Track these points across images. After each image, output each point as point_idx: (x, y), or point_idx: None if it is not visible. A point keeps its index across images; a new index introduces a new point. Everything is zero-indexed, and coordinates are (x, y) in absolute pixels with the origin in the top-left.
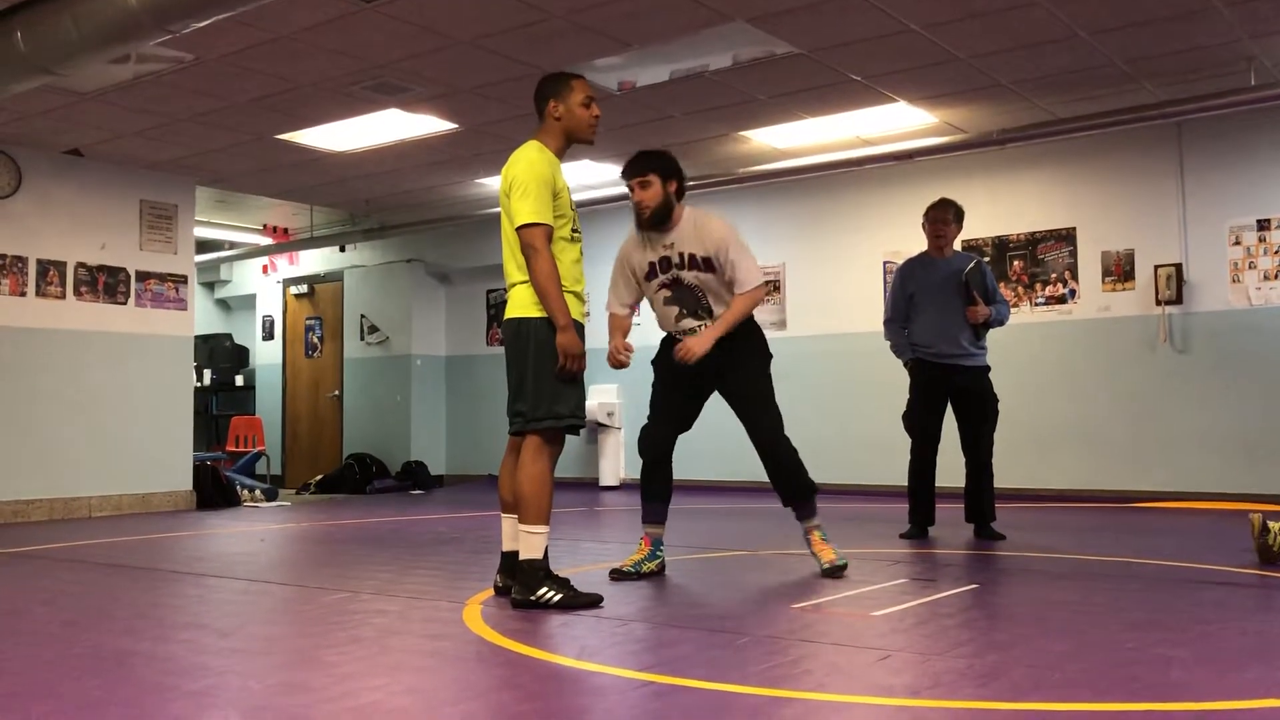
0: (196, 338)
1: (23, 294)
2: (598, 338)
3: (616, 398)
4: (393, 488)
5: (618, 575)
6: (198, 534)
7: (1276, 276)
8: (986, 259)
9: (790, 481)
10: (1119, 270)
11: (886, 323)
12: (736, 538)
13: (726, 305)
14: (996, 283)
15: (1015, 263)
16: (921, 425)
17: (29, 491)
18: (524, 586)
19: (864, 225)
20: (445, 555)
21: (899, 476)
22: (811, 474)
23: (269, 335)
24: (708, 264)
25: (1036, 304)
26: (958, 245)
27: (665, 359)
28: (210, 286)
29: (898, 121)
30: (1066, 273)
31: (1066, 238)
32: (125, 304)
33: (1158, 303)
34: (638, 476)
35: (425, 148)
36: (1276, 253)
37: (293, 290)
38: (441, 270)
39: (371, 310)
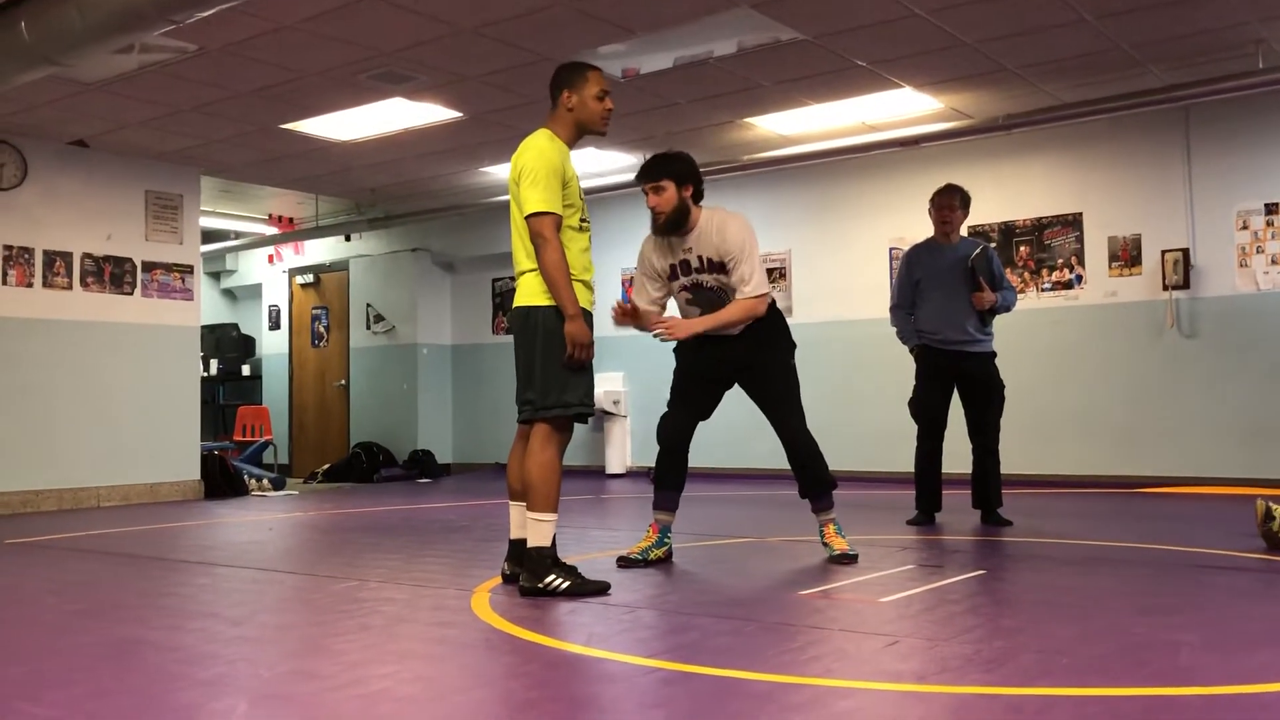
0: (203, 328)
1: (30, 285)
2: (606, 326)
3: (623, 385)
4: (400, 476)
5: (625, 562)
6: (206, 523)
7: None
8: (993, 245)
9: (810, 475)
10: (1126, 255)
11: (892, 309)
12: (744, 524)
13: None
14: (1003, 268)
15: (1022, 248)
16: (928, 412)
17: (38, 482)
18: (531, 574)
19: (870, 212)
20: (453, 543)
21: (905, 463)
22: None
23: (275, 325)
24: (724, 268)
25: (1043, 289)
26: (964, 231)
27: (689, 348)
28: (216, 276)
29: (903, 107)
30: (1073, 258)
31: (1073, 223)
32: (132, 294)
33: (1165, 288)
34: (645, 464)
35: (430, 136)
36: None
37: (298, 280)
38: (447, 259)
39: (377, 299)
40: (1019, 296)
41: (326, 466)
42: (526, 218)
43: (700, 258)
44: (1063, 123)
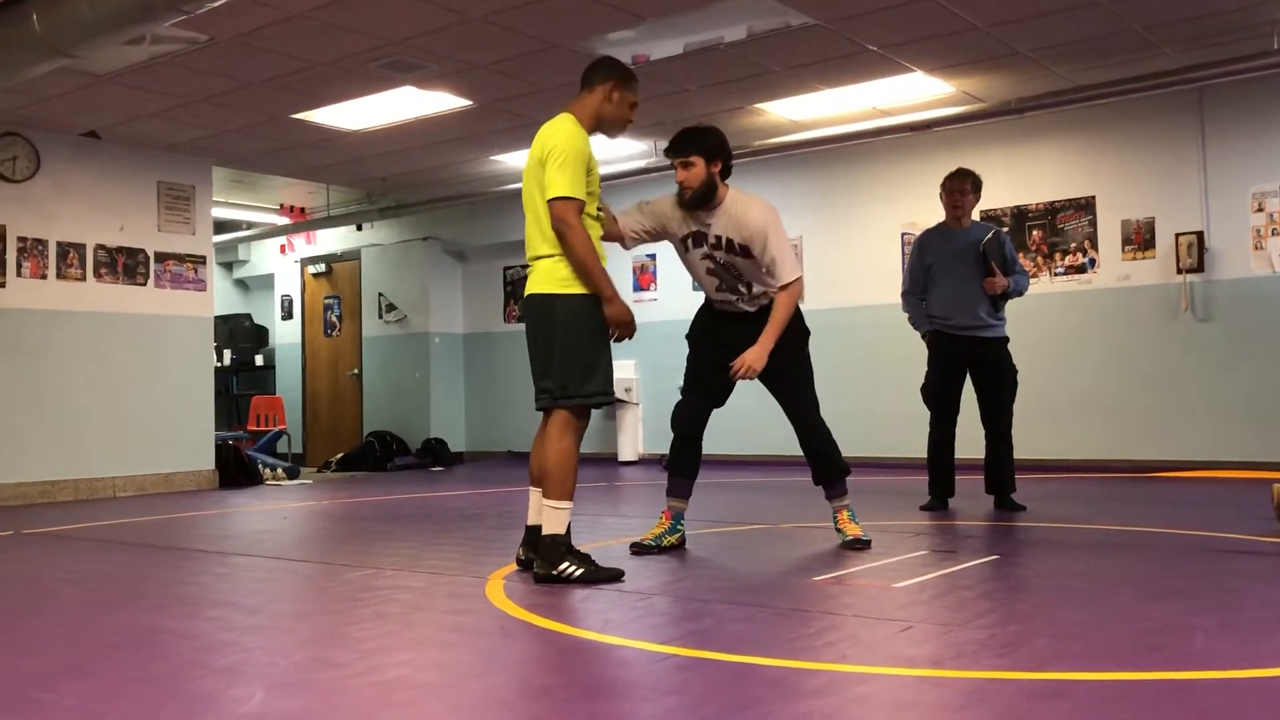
0: (216, 318)
1: (44, 276)
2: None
3: (635, 373)
4: (413, 465)
5: (638, 549)
6: (221, 513)
7: None
8: (1005, 229)
9: (823, 462)
10: (1139, 239)
11: (904, 295)
12: (757, 511)
13: (763, 284)
14: (1015, 253)
15: (1034, 232)
16: (940, 397)
17: (54, 472)
18: (546, 561)
19: (881, 197)
20: (467, 531)
21: (919, 449)
22: None
23: (288, 315)
24: (744, 250)
25: (1056, 274)
26: (976, 215)
27: (701, 333)
28: (229, 267)
29: (915, 92)
30: (1086, 242)
31: (1086, 207)
32: (145, 285)
33: (1179, 271)
34: (657, 451)
35: (440, 125)
36: None
37: (310, 269)
38: (458, 248)
39: (389, 289)
40: (1031, 281)
41: (340, 455)
42: (550, 201)
43: (719, 237)
44: (1075, 106)
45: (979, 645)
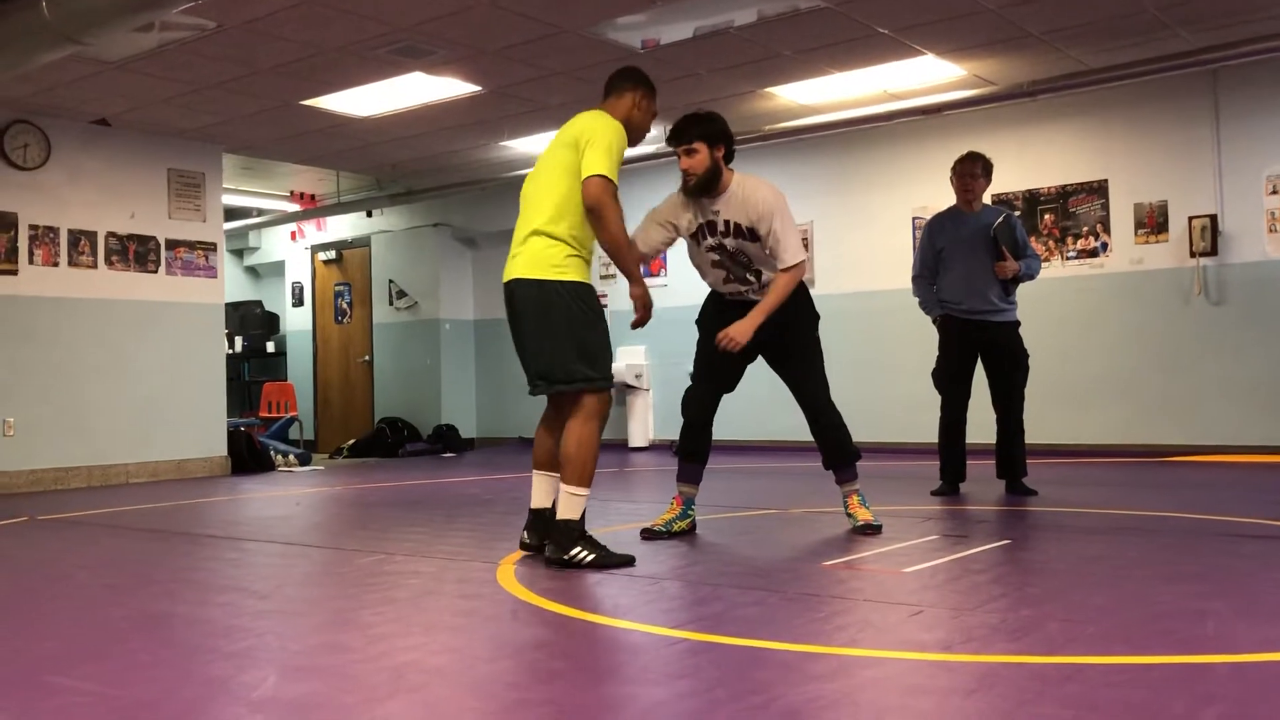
0: (227, 305)
1: (55, 264)
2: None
3: (645, 359)
4: (424, 451)
5: (649, 534)
6: (233, 499)
7: None
8: (1017, 213)
9: (834, 446)
10: (1152, 222)
11: (915, 279)
12: (767, 496)
13: (773, 270)
14: (1027, 236)
15: (1046, 216)
16: (951, 382)
17: (68, 459)
18: (558, 546)
19: (893, 181)
20: (478, 517)
21: (930, 433)
22: None
23: (298, 301)
24: (752, 233)
25: (1068, 258)
26: (987, 199)
27: (712, 318)
28: (239, 254)
29: (926, 75)
30: (1098, 225)
31: (1098, 190)
32: (156, 272)
33: (1192, 254)
34: (667, 437)
35: (449, 111)
36: None
37: (321, 256)
38: (468, 234)
39: (400, 275)
40: (1043, 265)
41: (352, 442)
42: (590, 178)
43: (727, 222)
44: (1088, 88)
45: (990, 630)
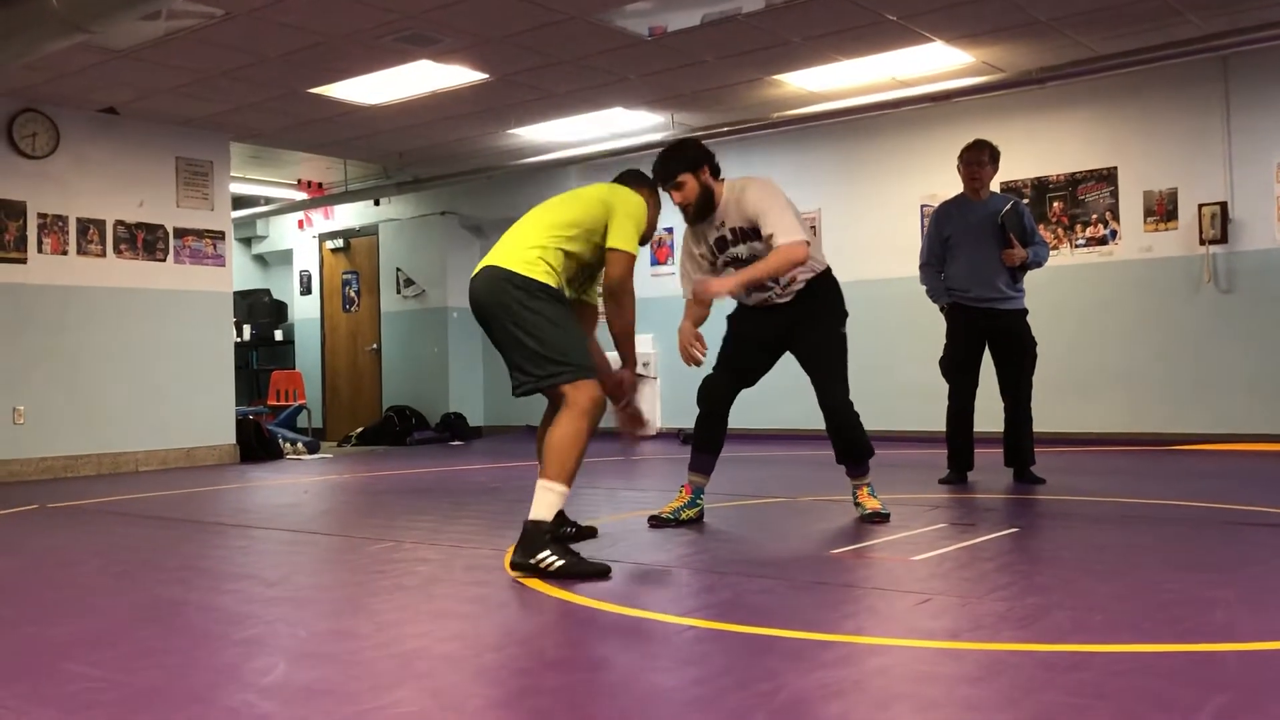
0: (235, 293)
1: (64, 253)
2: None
3: (652, 347)
4: (432, 439)
5: (656, 521)
6: (242, 487)
7: None
8: (1026, 200)
9: (848, 444)
10: (1161, 210)
11: (922, 267)
12: (775, 485)
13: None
14: (1035, 224)
15: (1055, 204)
16: (959, 370)
17: (78, 447)
18: (523, 548)
19: (901, 168)
20: (486, 505)
21: (937, 422)
22: None
23: (306, 290)
24: (756, 232)
25: (1077, 246)
26: (995, 186)
27: (742, 316)
28: (247, 242)
29: (934, 62)
30: (1107, 213)
31: (1107, 177)
32: (164, 261)
33: (1201, 242)
34: (675, 426)
35: (456, 99)
36: None
37: (328, 245)
38: (475, 222)
39: (407, 263)
40: (1052, 253)
41: (360, 430)
42: (618, 251)
43: (733, 229)
44: (1097, 75)
45: (998, 617)
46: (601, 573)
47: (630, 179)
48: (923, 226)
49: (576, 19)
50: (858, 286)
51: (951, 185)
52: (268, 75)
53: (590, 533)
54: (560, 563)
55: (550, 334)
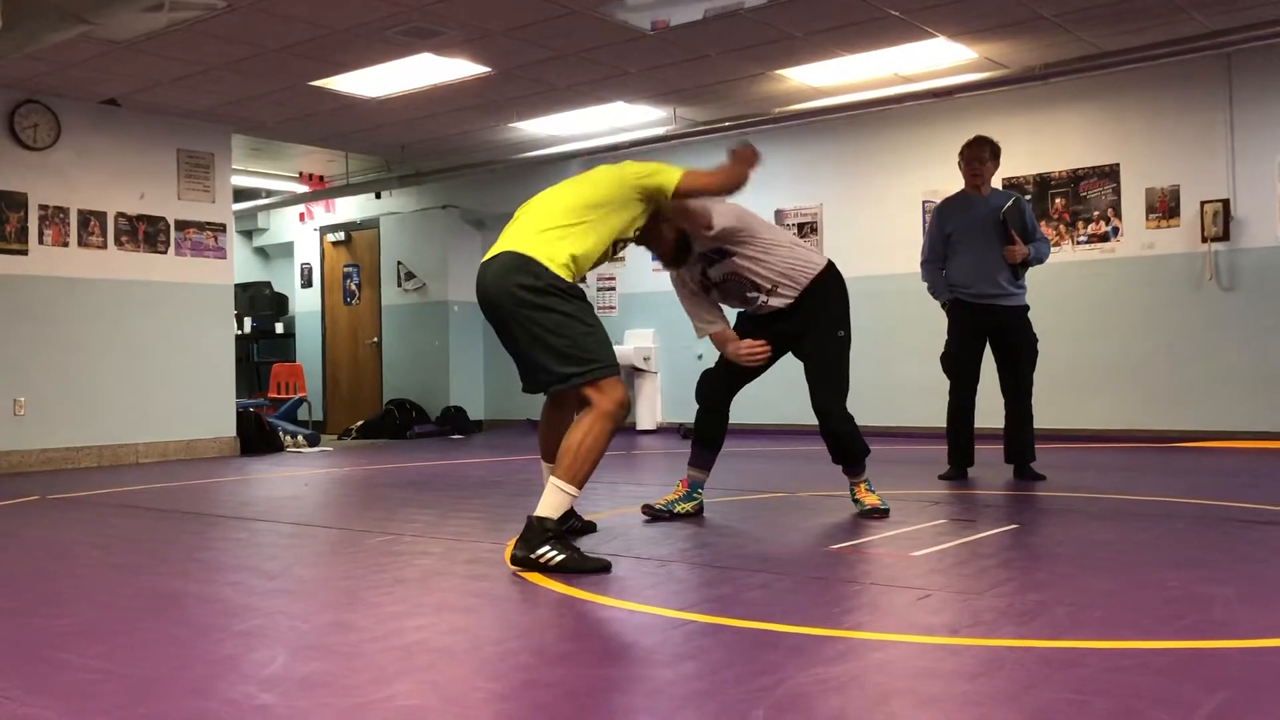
0: (236, 286)
1: (65, 244)
2: (635, 283)
3: (653, 342)
4: (432, 433)
5: (650, 511)
6: (243, 479)
7: None
8: (1028, 197)
9: (841, 448)
10: (1164, 207)
11: (923, 263)
12: (774, 480)
13: (768, 268)
14: (1036, 220)
15: (1057, 200)
16: (960, 366)
17: (78, 439)
18: (525, 542)
19: (903, 164)
20: (486, 498)
21: (938, 418)
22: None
23: (307, 283)
24: (721, 251)
25: (1079, 242)
26: (997, 183)
27: (744, 317)
28: (248, 235)
29: (937, 58)
30: (1109, 210)
31: (1110, 174)
32: (165, 253)
33: (1204, 240)
34: (675, 420)
35: (459, 92)
36: None
37: (330, 238)
38: (477, 216)
39: (408, 257)
40: (1053, 249)
41: (360, 423)
42: (676, 188)
43: (703, 256)
44: (1100, 72)
45: (997, 613)
46: (604, 568)
47: None
48: (924, 223)
49: (579, 13)
50: (859, 282)
51: (953, 182)
52: (269, 68)
53: (590, 527)
54: (560, 558)
55: (575, 331)
